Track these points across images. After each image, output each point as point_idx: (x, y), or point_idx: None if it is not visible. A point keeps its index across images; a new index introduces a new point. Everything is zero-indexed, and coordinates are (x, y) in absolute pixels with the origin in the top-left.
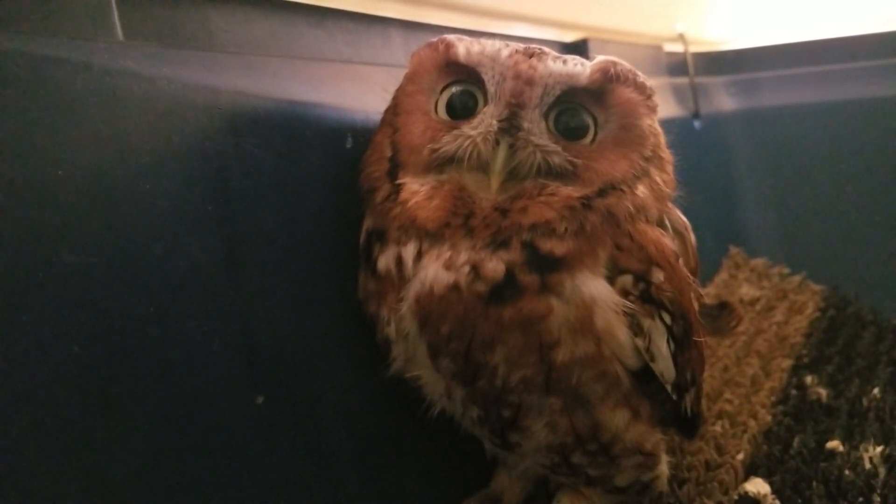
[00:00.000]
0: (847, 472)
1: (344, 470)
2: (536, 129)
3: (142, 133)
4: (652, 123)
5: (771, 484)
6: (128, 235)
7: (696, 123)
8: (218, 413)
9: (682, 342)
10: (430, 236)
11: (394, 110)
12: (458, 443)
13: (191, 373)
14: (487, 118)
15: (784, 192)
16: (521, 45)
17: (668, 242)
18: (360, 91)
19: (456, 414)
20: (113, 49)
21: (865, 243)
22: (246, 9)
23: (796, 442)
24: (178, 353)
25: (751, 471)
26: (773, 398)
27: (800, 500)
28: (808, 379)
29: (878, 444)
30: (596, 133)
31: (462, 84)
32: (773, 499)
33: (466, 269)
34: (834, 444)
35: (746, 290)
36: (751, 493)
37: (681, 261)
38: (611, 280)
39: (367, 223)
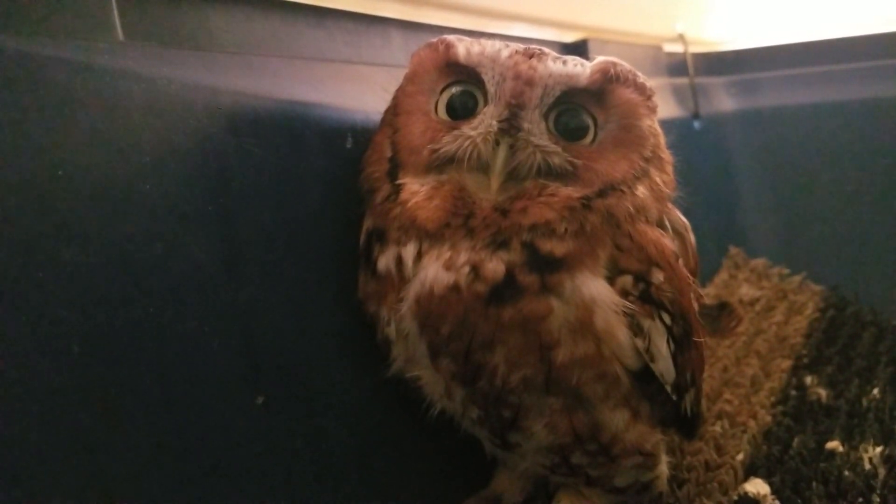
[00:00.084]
0: (847, 472)
1: (344, 470)
2: (536, 129)
3: (142, 133)
4: (652, 124)
5: (770, 484)
6: (128, 235)
7: (696, 124)
8: (218, 413)
9: (682, 342)
10: (430, 236)
11: (394, 110)
12: (458, 443)
13: (191, 373)
14: (487, 119)
15: (784, 193)
16: (521, 46)
17: (668, 243)
18: (360, 91)
19: (456, 414)
20: (113, 49)
21: (865, 243)
22: (246, 9)
23: (796, 442)
24: (178, 354)
25: (750, 471)
26: (772, 398)
27: (799, 501)
28: (808, 379)
29: (878, 445)
30: (596, 133)
31: (462, 84)
32: (773, 499)
33: (466, 269)
34: (833, 444)
35: (746, 291)
36: (750, 494)
37: (680, 261)
38: (611, 280)
39: (367, 223)
